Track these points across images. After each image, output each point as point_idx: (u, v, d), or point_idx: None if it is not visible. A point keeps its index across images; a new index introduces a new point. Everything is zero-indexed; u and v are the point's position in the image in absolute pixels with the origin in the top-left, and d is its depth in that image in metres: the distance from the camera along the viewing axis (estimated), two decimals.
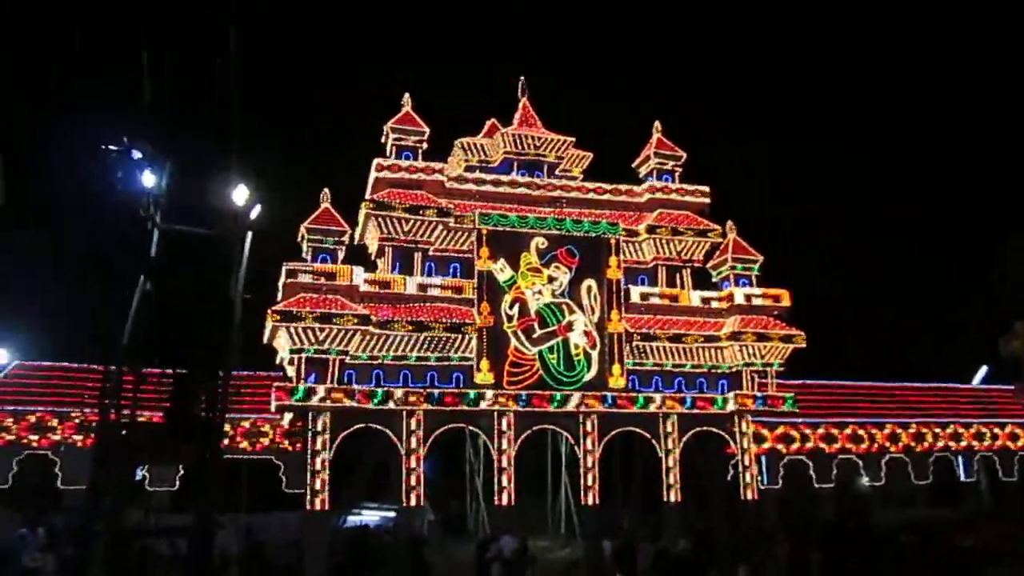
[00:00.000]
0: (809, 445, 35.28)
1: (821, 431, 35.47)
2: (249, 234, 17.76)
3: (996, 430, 37.87)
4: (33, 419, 29.54)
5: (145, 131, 16.82)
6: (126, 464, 16.43)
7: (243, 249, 17.46)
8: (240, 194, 16.89)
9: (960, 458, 37.78)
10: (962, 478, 37.70)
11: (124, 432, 15.67)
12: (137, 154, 16.41)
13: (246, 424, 30.97)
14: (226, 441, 29.96)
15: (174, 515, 26.36)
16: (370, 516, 32.70)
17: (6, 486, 29.22)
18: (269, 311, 27.96)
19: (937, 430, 37.14)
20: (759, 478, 33.30)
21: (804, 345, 32.59)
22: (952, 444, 37.33)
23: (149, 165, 16.71)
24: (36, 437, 29.48)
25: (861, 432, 35.98)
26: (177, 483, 30.35)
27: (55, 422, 29.72)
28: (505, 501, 29.64)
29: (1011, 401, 37.71)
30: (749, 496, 32.01)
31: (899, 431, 36.53)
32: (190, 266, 18.23)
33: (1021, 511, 29.08)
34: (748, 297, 32.74)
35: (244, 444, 30.80)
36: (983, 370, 40.89)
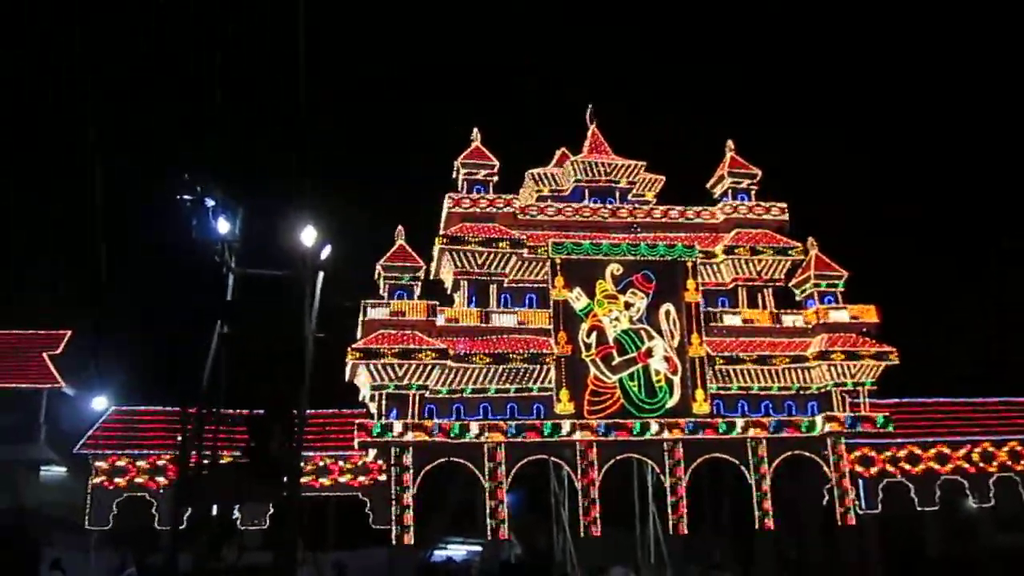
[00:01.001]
0: (908, 466, 33.68)
1: (920, 451, 33.85)
2: (320, 274, 18.14)
3: None
4: (130, 462, 30.62)
5: (218, 179, 17.36)
6: (207, 504, 16.76)
7: (314, 289, 17.83)
8: (308, 235, 17.25)
9: None
10: None
11: (204, 473, 16.02)
12: (210, 202, 16.92)
13: (331, 461, 31.38)
14: (312, 478, 30.59)
15: (264, 553, 26.82)
16: (456, 551, 32.70)
17: (107, 527, 30.29)
18: (349, 349, 28.43)
19: None
20: (857, 503, 31.96)
21: (897, 362, 31.29)
22: None
23: (223, 212, 17.21)
24: (133, 480, 30.53)
25: (964, 451, 34.20)
26: (268, 521, 30.93)
27: (150, 464, 30.74)
28: (591, 532, 29.22)
29: None
30: (847, 521, 30.74)
31: (1006, 449, 34.59)
32: (265, 308, 18.68)
33: None
34: (834, 315, 31.69)
35: (329, 481, 31.20)
36: None
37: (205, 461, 16.28)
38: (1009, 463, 34.45)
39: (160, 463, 30.68)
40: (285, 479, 16.67)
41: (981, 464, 34.22)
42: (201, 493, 16.71)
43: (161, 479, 30.56)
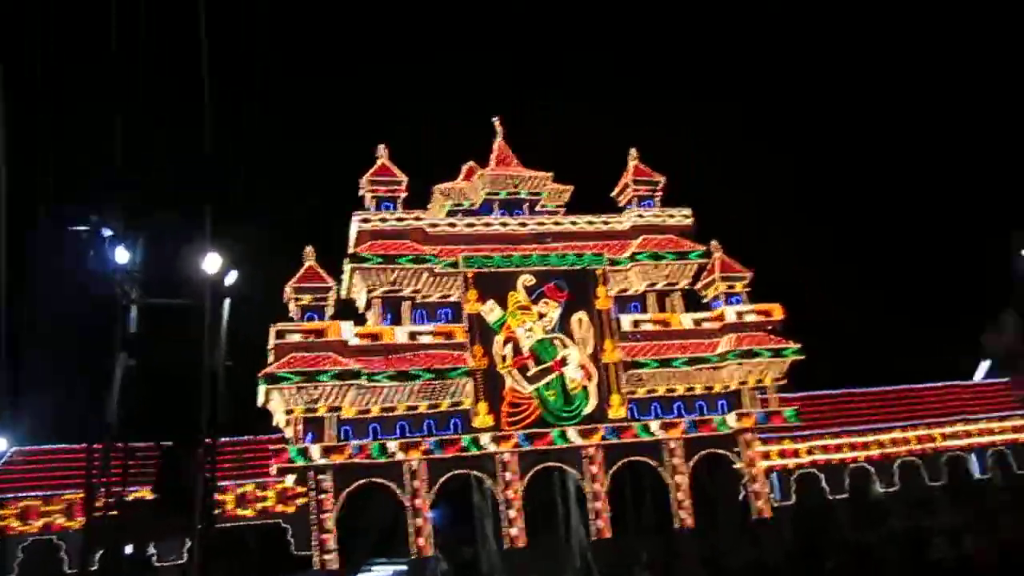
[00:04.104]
0: (818, 457, 34.93)
1: (829, 442, 35.14)
2: (227, 301, 17.80)
3: (1004, 424, 37.56)
4: (33, 505, 29.32)
5: (114, 207, 16.87)
6: (120, 544, 16.22)
7: (222, 316, 17.49)
8: (212, 262, 16.89)
9: (973, 456, 37.43)
10: (976, 475, 37.29)
11: (115, 511, 15.49)
12: (107, 232, 16.40)
13: (249, 490, 30.65)
14: (231, 508, 29.86)
15: None
16: (381, 571, 32.31)
17: (13, 575, 28.93)
18: (261, 374, 27.92)
19: (946, 429, 36.83)
20: (771, 495, 32.96)
21: (802, 357, 32.46)
22: (963, 442, 37.00)
23: (121, 241, 16.71)
24: (38, 523, 29.24)
25: (870, 439, 35.66)
26: (186, 555, 30.02)
27: (57, 506, 29.50)
28: (516, 543, 29.34)
29: None
30: (762, 514, 31.67)
31: (908, 434, 36.21)
32: (171, 338, 18.21)
33: None
34: (740, 314, 32.68)
35: (248, 510, 30.49)
36: (985, 364, 40.63)
37: (115, 499, 15.76)
38: (911, 448, 36.08)
39: (67, 503, 29.46)
40: (200, 512, 16.27)
41: (885, 450, 35.72)
42: (113, 532, 16.18)
43: (69, 520, 29.35)
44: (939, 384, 39.36)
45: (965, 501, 35.01)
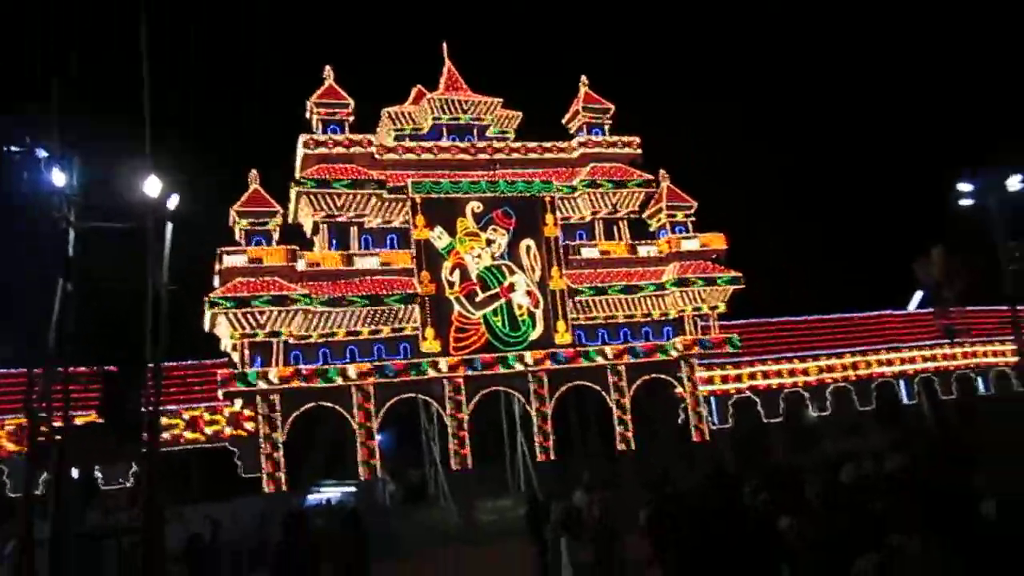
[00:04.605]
0: (756, 383, 36.03)
1: (766, 368, 36.22)
2: (169, 224, 17.51)
3: (933, 351, 39.09)
4: None
5: (49, 127, 16.38)
6: (64, 467, 16.21)
7: (164, 240, 17.23)
8: (152, 185, 16.57)
9: (902, 381, 38.95)
10: (904, 401, 38.89)
11: (59, 436, 15.46)
12: (42, 153, 15.96)
13: (196, 414, 30.63)
14: (177, 432, 29.87)
15: (130, 511, 26.16)
16: (330, 493, 32.80)
17: None
18: (207, 298, 27.69)
19: (877, 356, 38.18)
20: (710, 419, 34.02)
21: (743, 286, 33.18)
22: (892, 369, 38.44)
23: (57, 163, 16.27)
24: None
25: (804, 365, 36.83)
26: (132, 479, 30.08)
27: None
28: (462, 466, 29.96)
29: None
30: (700, 438, 32.73)
31: (840, 360, 37.48)
32: (113, 262, 17.94)
33: (956, 427, 30.12)
34: (685, 243, 33.16)
35: (196, 434, 30.50)
36: (919, 294, 41.94)
37: (59, 423, 15.71)
38: (843, 374, 37.39)
39: (9, 429, 29.16)
40: (144, 436, 16.31)
41: (819, 376, 36.98)
42: (58, 456, 16.16)
43: (13, 445, 29.08)
44: (873, 313, 40.65)
45: (892, 424, 36.57)
